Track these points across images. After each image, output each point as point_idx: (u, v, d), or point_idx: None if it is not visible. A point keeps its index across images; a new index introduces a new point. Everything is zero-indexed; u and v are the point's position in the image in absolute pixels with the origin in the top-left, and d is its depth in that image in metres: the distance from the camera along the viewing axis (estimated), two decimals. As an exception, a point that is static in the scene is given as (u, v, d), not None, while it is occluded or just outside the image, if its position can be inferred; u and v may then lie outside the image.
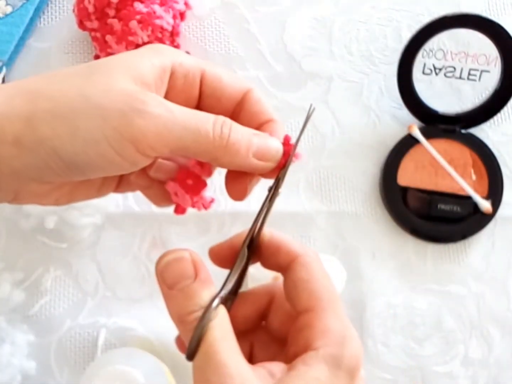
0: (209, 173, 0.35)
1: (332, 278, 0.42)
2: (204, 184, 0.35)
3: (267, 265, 0.33)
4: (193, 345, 0.27)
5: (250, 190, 0.35)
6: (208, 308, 0.28)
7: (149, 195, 0.36)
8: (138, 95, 0.28)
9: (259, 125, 0.34)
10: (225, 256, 0.32)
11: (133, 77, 0.29)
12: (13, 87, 0.30)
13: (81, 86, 0.28)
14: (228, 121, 0.31)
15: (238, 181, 0.34)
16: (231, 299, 0.31)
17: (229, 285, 0.29)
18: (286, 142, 0.34)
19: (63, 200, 0.34)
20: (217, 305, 0.28)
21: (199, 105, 0.34)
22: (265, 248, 0.32)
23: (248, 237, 0.32)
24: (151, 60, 0.31)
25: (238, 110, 0.34)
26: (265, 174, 0.34)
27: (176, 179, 0.34)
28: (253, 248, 0.32)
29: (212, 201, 0.36)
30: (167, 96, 0.32)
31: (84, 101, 0.28)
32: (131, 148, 0.28)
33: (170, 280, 0.29)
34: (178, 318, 0.30)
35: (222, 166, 0.32)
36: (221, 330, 0.27)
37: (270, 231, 0.33)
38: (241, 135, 0.31)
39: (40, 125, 0.28)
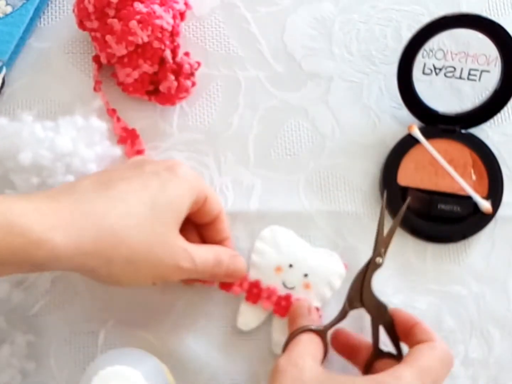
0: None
1: (331, 273, 0.47)
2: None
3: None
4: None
5: None
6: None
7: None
8: (183, 256, 0.41)
9: (219, 241, 0.47)
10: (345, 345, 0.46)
11: (179, 219, 0.42)
12: (99, 226, 0.38)
13: (149, 236, 0.40)
14: (223, 258, 0.45)
15: None
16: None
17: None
18: None
19: None
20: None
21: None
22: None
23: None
24: (190, 200, 0.43)
25: (210, 224, 0.46)
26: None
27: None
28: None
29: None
30: None
31: (149, 252, 0.40)
32: (158, 280, 0.43)
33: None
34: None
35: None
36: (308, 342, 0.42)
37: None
38: (224, 269, 0.45)
39: (115, 266, 0.39)
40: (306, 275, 0.47)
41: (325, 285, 0.47)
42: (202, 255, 0.43)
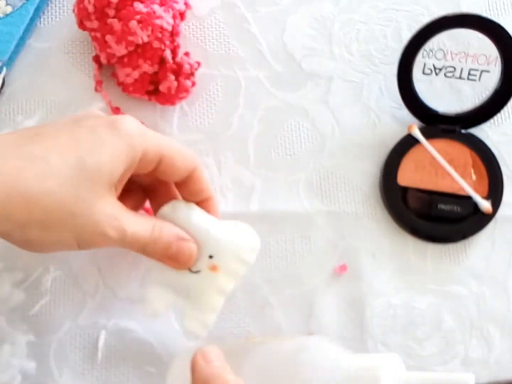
0: None
1: (240, 248, 0.42)
2: None
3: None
4: None
5: None
6: None
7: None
8: (111, 225, 0.37)
9: (200, 202, 0.42)
10: None
11: (110, 185, 0.37)
12: (10, 188, 0.34)
13: (71, 202, 0.35)
14: (157, 233, 0.39)
15: None
16: None
17: None
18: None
19: None
20: None
21: (150, 174, 0.40)
22: None
23: None
24: (125, 162, 0.37)
25: (182, 184, 0.42)
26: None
27: None
28: None
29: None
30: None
31: (71, 219, 0.36)
32: (87, 248, 0.38)
33: None
34: None
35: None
36: None
37: None
38: (161, 246, 0.39)
39: (30, 231, 0.35)
40: (211, 256, 0.41)
41: (235, 262, 0.42)
42: (137, 226, 0.38)
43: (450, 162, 0.50)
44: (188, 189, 0.42)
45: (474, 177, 0.51)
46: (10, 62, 0.51)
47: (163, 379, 0.46)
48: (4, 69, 0.50)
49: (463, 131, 0.51)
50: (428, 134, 0.51)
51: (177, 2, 0.51)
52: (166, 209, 0.42)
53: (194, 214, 0.42)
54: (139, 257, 0.49)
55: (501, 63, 0.49)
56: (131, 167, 0.38)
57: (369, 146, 0.52)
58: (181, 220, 0.41)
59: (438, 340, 0.48)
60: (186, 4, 0.52)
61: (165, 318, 0.48)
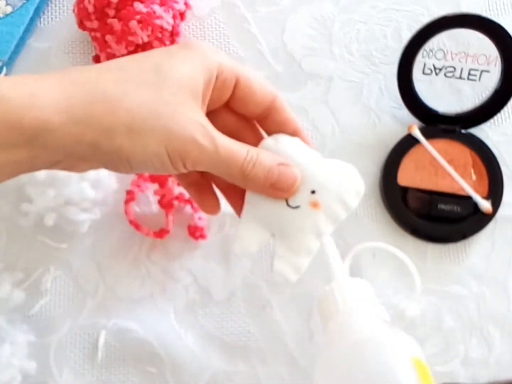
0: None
1: (346, 189, 0.38)
2: None
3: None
4: None
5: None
6: None
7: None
8: (199, 131, 0.34)
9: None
10: None
11: (193, 96, 0.35)
12: (90, 91, 0.33)
13: (153, 102, 0.34)
14: (255, 156, 0.36)
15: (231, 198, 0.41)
16: None
17: None
18: None
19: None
20: None
21: (228, 104, 0.39)
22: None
23: None
24: (203, 74, 0.36)
25: (264, 116, 0.39)
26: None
27: None
28: None
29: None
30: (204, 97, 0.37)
31: (156, 121, 0.34)
32: (181, 164, 0.35)
33: None
34: None
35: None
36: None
37: None
38: (261, 170, 0.37)
39: (117, 137, 0.33)
40: (313, 192, 0.38)
41: (338, 204, 0.38)
42: (229, 142, 0.36)
43: (450, 162, 0.50)
44: (272, 121, 0.39)
45: (474, 177, 0.51)
46: (10, 62, 0.51)
47: (163, 379, 0.47)
48: (4, 69, 0.50)
49: (463, 131, 0.51)
50: (428, 134, 0.51)
51: (177, 2, 0.51)
52: (268, 141, 0.39)
53: (298, 146, 0.39)
54: (139, 257, 0.49)
55: (501, 63, 0.49)
56: (210, 81, 0.36)
57: (369, 146, 0.52)
58: (283, 151, 0.38)
59: (438, 340, 0.48)
60: (186, 4, 0.52)
61: (165, 318, 0.48)
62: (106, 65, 0.35)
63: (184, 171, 0.36)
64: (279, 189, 0.37)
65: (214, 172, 0.37)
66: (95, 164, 0.36)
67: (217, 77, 0.37)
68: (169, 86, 0.34)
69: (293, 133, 0.39)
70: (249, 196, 0.39)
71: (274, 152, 0.38)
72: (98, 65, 0.36)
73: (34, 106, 0.32)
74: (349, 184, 0.39)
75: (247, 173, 0.36)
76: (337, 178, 0.38)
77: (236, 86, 0.38)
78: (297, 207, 0.38)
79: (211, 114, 0.37)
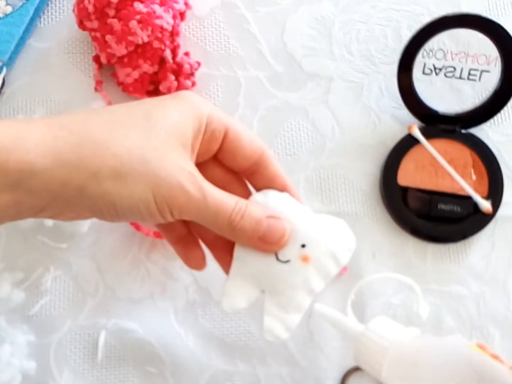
0: None
1: (336, 243, 0.38)
2: None
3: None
4: None
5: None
6: None
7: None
8: (187, 178, 0.34)
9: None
10: None
11: (182, 144, 0.35)
12: (78, 133, 0.33)
13: (142, 147, 0.34)
14: (243, 207, 0.36)
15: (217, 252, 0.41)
16: None
17: None
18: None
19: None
20: None
21: (217, 157, 0.39)
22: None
23: None
24: (192, 123, 0.36)
25: (252, 171, 0.39)
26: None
27: None
28: None
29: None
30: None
31: (144, 166, 0.33)
32: (168, 211, 0.34)
33: None
34: None
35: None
36: None
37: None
38: (250, 222, 0.36)
39: (104, 181, 0.33)
40: (303, 246, 0.37)
41: (328, 259, 0.38)
42: (218, 192, 0.36)
43: (450, 162, 0.50)
44: (260, 176, 0.39)
45: (474, 177, 0.51)
46: (10, 62, 0.51)
47: (163, 379, 0.47)
48: (4, 69, 0.50)
49: (463, 131, 0.51)
50: (428, 134, 0.51)
51: (177, 2, 0.51)
52: (257, 196, 0.39)
53: (288, 201, 0.39)
54: (139, 257, 0.49)
55: (501, 63, 0.49)
56: (199, 131, 0.36)
57: (369, 146, 0.52)
58: (273, 206, 0.38)
59: (438, 340, 0.48)
60: (186, 4, 0.52)
61: (165, 318, 0.48)
62: (96, 110, 0.36)
63: (171, 219, 0.35)
64: (267, 241, 0.37)
65: (202, 222, 0.36)
66: (81, 211, 0.35)
67: (206, 127, 0.37)
68: (158, 132, 0.34)
69: (282, 188, 0.39)
70: (238, 251, 0.38)
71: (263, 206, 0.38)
72: (88, 109, 0.36)
73: (20, 148, 0.31)
74: (340, 240, 0.38)
75: (235, 224, 0.36)
76: (328, 233, 0.38)
77: (225, 137, 0.38)
78: (287, 261, 0.37)
79: (199, 166, 0.37)
